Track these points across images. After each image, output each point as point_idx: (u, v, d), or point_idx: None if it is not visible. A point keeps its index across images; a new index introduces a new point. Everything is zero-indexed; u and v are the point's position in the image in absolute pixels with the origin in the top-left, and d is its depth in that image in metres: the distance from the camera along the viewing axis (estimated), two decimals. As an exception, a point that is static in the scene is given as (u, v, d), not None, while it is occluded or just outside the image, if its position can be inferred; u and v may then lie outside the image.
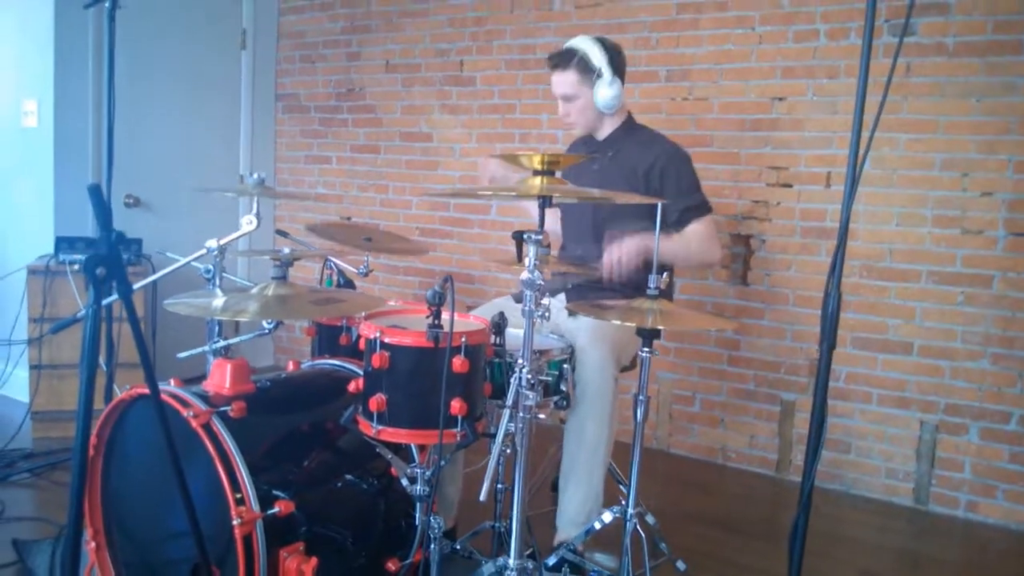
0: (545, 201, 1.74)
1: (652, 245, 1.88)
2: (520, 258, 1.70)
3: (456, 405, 1.68)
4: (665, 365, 3.45)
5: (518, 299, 1.71)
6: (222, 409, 1.68)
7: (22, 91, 3.61)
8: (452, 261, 3.98)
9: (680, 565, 2.13)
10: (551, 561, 2.05)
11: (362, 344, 1.74)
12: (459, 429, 1.70)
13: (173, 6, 3.90)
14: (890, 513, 2.96)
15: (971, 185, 2.84)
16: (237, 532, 1.55)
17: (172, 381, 1.77)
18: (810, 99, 3.08)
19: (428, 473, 1.79)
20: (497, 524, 2.13)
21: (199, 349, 2.02)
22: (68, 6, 3.41)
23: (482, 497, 1.63)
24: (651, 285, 1.87)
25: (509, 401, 1.69)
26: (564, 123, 2.45)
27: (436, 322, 1.65)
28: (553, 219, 2.59)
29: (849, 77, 3.00)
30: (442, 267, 4.00)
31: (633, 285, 2.23)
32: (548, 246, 1.70)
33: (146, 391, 1.52)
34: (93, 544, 1.86)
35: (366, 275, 2.58)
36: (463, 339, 1.69)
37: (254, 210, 1.97)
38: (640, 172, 2.33)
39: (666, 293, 2.21)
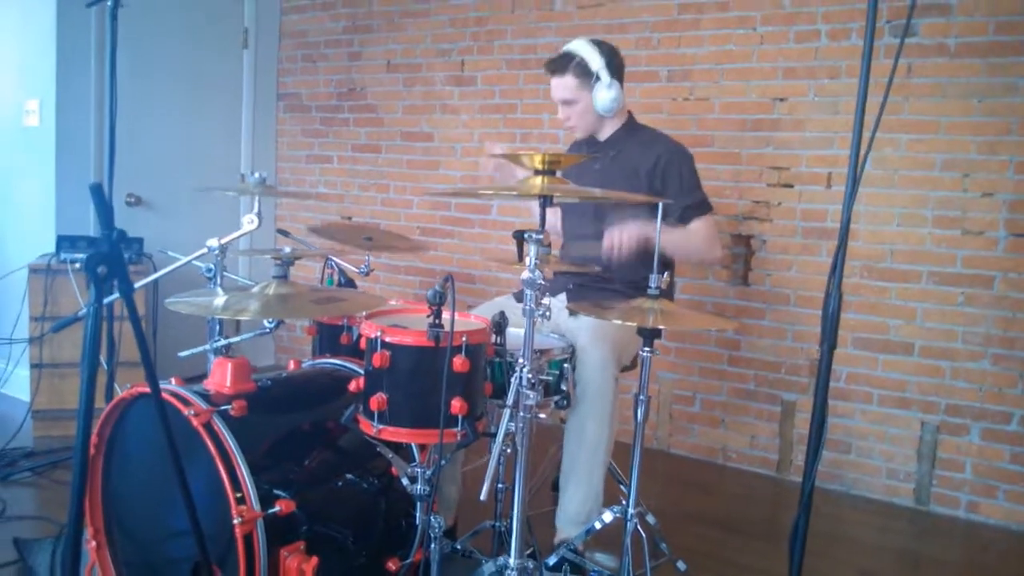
0: (546, 201, 1.74)
1: (654, 232, 1.88)
2: (521, 257, 1.70)
3: (457, 404, 1.68)
4: (666, 365, 3.45)
5: (519, 298, 1.71)
6: (223, 408, 1.68)
7: (24, 90, 3.61)
8: (453, 260, 3.98)
9: (680, 565, 2.13)
10: (551, 561, 2.05)
11: (363, 343, 1.74)
12: (460, 428, 1.70)
13: (175, 5, 3.90)
14: (891, 513, 2.96)
15: (972, 186, 2.84)
16: (238, 531, 1.55)
17: (173, 380, 1.78)
18: (811, 99, 3.08)
19: (429, 472, 1.80)
20: (497, 523, 2.13)
21: (200, 348, 2.01)
22: (70, 5, 3.42)
23: (482, 496, 1.63)
24: (652, 285, 1.87)
25: (510, 400, 1.69)
26: (565, 127, 2.45)
27: (437, 321, 1.65)
28: (553, 216, 2.59)
29: (850, 78, 3.00)
30: (443, 266, 4.00)
31: (632, 278, 2.24)
32: (549, 245, 1.70)
33: (147, 390, 1.52)
34: (94, 543, 1.86)
35: (367, 274, 2.58)
36: (464, 338, 1.69)
37: (255, 209, 1.98)
38: (642, 172, 2.33)
39: (667, 293, 2.21)
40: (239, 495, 1.58)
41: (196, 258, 2.00)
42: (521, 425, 1.69)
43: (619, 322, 1.89)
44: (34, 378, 3.19)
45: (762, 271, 3.23)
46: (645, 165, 2.33)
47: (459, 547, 2.13)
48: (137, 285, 1.37)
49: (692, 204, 2.32)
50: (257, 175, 2.06)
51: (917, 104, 2.89)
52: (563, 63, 2.32)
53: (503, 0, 3.74)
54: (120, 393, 1.77)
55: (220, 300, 1.77)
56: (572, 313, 2.18)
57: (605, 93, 2.29)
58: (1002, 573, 2.59)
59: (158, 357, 2.52)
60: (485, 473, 1.66)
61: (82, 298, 3.17)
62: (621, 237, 2.14)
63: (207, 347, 1.99)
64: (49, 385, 3.18)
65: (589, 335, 2.11)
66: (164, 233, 3.60)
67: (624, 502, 2.00)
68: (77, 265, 3.16)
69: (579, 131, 2.44)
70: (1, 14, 3.69)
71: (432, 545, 1.80)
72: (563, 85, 2.33)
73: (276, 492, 1.67)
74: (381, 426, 1.70)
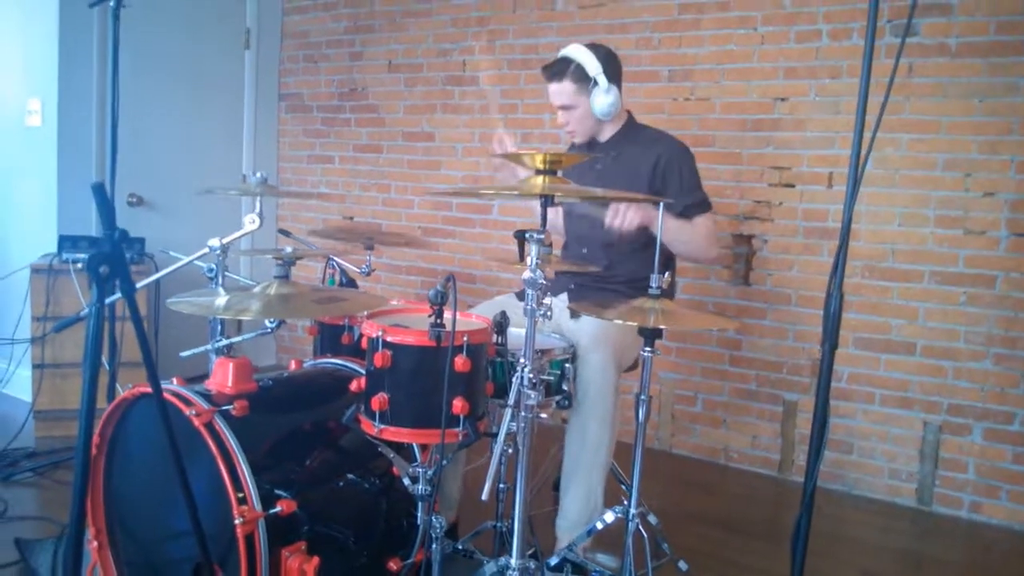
0: (547, 200, 1.74)
1: (656, 214, 1.87)
2: (522, 257, 1.70)
3: (458, 404, 1.68)
4: (667, 365, 3.45)
5: (520, 296, 1.71)
6: (224, 408, 1.68)
7: (26, 90, 3.62)
8: (454, 260, 3.98)
9: (682, 565, 2.13)
10: (553, 561, 2.05)
11: (364, 343, 1.74)
12: (461, 428, 1.70)
13: (177, 5, 3.91)
14: (893, 514, 2.95)
15: (973, 185, 2.83)
16: (239, 531, 1.55)
17: (175, 380, 1.78)
18: (812, 99, 3.08)
19: (430, 472, 1.80)
20: (499, 524, 2.13)
21: (202, 348, 2.02)
22: (72, 5, 3.42)
23: (484, 496, 1.63)
24: (653, 284, 1.87)
25: (511, 400, 1.69)
26: (564, 131, 2.45)
27: (438, 321, 1.65)
28: (555, 216, 2.59)
29: (851, 77, 3.00)
30: (444, 266, 4.00)
31: (633, 278, 2.24)
32: (550, 245, 1.70)
33: (149, 390, 1.52)
34: (95, 543, 1.86)
35: (368, 274, 2.58)
36: (465, 338, 1.69)
37: (257, 209, 1.98)
38: (644, 171, 2.33)
39: (668, 293, 2.20)
40: (240, 495, 1.58)
41: (198, 258, 2.00)
42: (522, 425, 1.69)
43: (620, 322, 1.89)
44: (36, 378, 3.19)
45: (763, 271, 3.23)
46: (646, 165, 2.33)
47: (460, 547, 2.13)
48: (139, 285, 1.37)
49: (693, 203, 2.31)
50: (259, 175, 2.07)
51: (918, 104, 2.89)
52: (560, 69, 2.32)
53: (504, 0, 3.75)
54: (122, 393, 1.77)
55: (222, 300, 1.77)
56: (573, 315, 2.18)
57: (603, 98, 2.29)
58: (1005, 574, 2.58)
59: (160, 357, 2.52)
60: (486, 473, 1.66)
61: (84, 298, 3.17)
62: (627, 211, 2.13)
63: (209, 347, 2.00)
64: (51, 385, 3.19)
65: (590, 337, 2.11)
66: (166, 233, 3.60)
67: (626, 502, 2.00)
68: (79, 265, 3.16)
69: (578, 136, 2.43)
70: (3, 14, 3.70)
71: (433, 545, 1.80)
72: (561, 91, 2.33)
73: (277, 492, 1.67)
74: (382, 426, 1.70)
